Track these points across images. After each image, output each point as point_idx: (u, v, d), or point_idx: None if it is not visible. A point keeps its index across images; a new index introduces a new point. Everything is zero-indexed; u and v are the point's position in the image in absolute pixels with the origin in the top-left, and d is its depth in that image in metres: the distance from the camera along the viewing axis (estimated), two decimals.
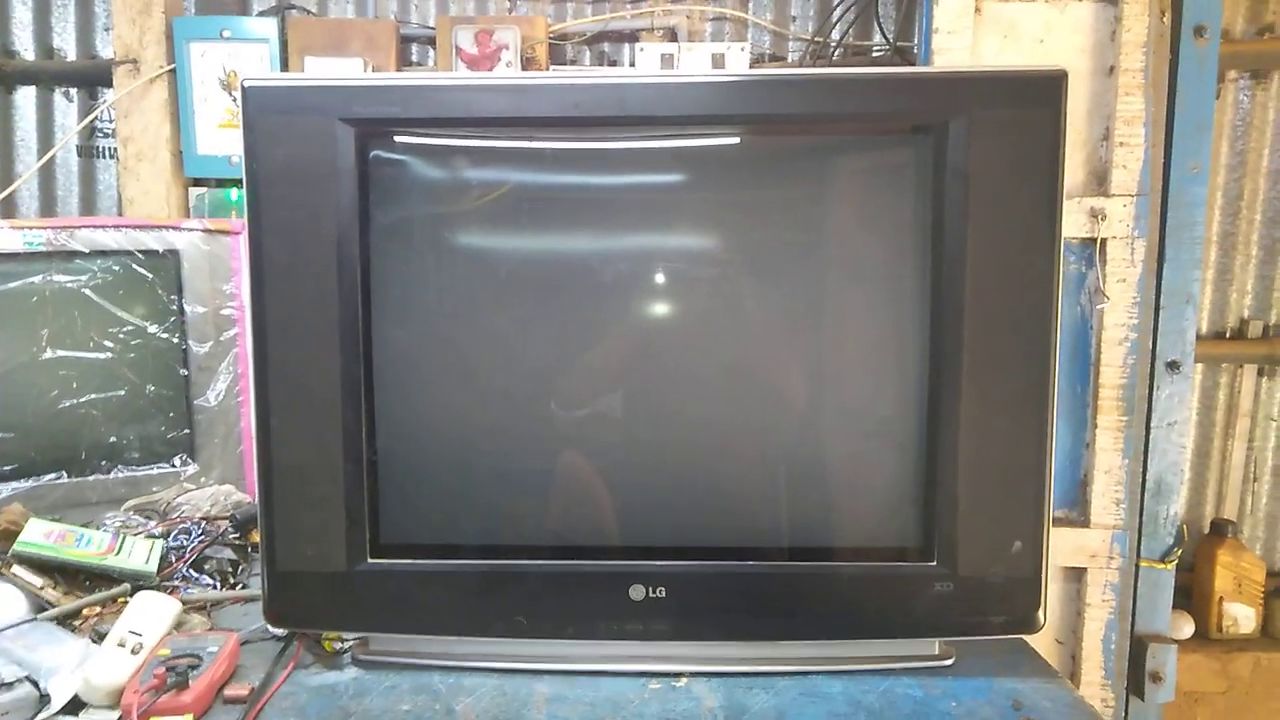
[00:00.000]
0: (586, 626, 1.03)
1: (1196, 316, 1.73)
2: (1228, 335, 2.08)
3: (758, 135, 1.06)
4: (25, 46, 1.96)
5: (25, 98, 1.97)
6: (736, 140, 1.05)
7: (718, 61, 1.83)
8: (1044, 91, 0.97)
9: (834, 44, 1.91)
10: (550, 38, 1.87)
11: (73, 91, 1.97)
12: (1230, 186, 2.01)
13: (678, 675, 1.03)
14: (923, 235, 1.02)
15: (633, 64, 1.89)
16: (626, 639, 1.03)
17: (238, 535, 1.37)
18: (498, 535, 1.08)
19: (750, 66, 1.86)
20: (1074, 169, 1.63)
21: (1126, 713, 1.77)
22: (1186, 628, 1.98)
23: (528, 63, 1.84)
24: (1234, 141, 2.00)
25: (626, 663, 1.04)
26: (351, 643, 1.08)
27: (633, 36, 1.92)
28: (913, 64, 1.85)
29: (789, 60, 1.97)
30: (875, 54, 1.93)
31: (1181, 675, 1.80)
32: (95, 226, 1.49)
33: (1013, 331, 1.00)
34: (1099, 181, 1.64)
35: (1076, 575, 1.70)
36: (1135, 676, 1.76)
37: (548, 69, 1.87)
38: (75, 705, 0.95)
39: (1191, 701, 1.98)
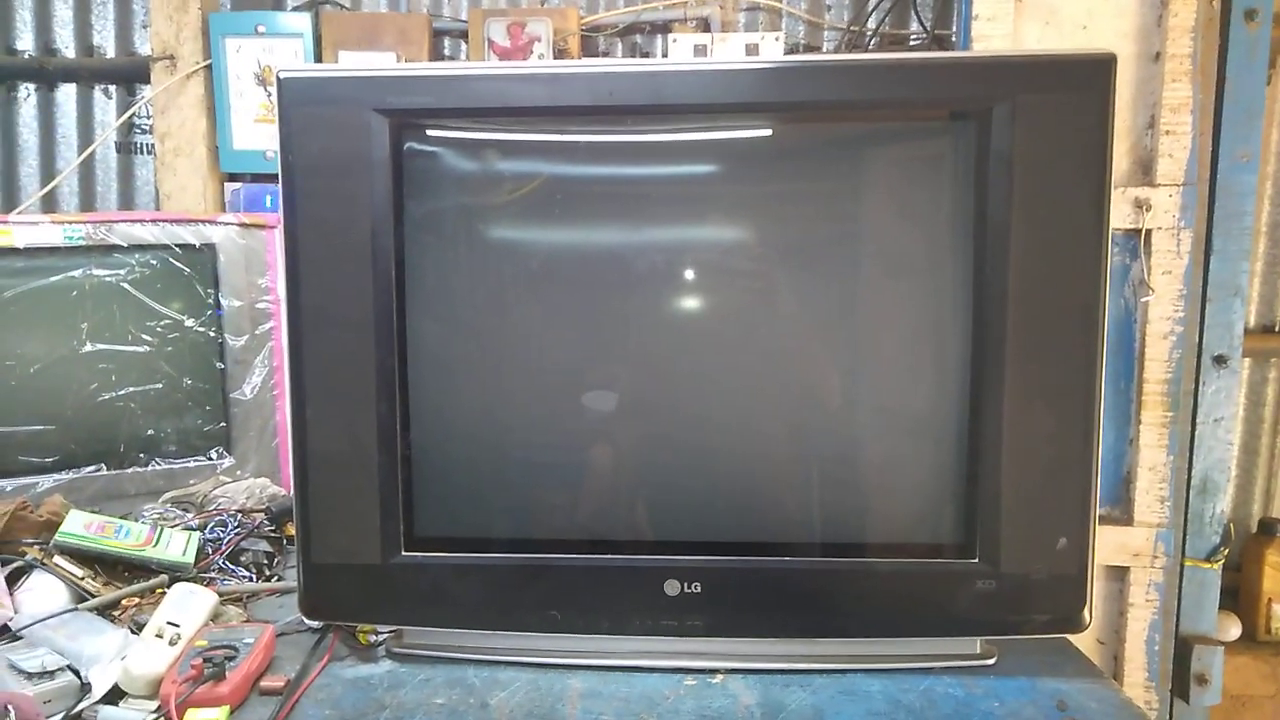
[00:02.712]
0: (621, 621, 1.02)
1: (1244, 309, 1.69)
2: (1277, 329, 2.02)
3: (794, 124, 1.04)
4: (66, 44, 1.98)
5: (66, 95, 1.99)
6: (772, 130, 1.03)
7: (752, 51, 1.81)
8: (1092, 75, 0.95)
9: (870, 33, 1.88)
10: (582, 30, 1.86)
11: (112, 88, 1.99)
12: None
13: (713, 672, 1.02)
14: (964, 225, 0.99)
15: (665, 55, 1.88)
16: (661, 635, 1.02)
17: (273, 528, 1.37)
18: (531, 529, 1.07)
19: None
20: (1118, 158, 1.59)
21: (1171, 716, 1.73)
22: (1233, 629, 1.93)
23: (560, 55, 1.83)
24: None
25: (661, 659, 1.03)
26: (386, 635, 1.08)
27: (665, 28, 1.91)
28: None
29: (824, 50, 1.94)
30: (912, 43, 1.90)
31: (1228, 678, 1.76)
32: (133, 221, 1.50)
33: (1058, 324, 0.97)
34: (1144, 171, 1.60)
35: (1119, 574, 1.66)
36: (1180, 678, 1.72)
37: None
38: (115, 694, 0.96)
39: (1239, 705, 1.93)
